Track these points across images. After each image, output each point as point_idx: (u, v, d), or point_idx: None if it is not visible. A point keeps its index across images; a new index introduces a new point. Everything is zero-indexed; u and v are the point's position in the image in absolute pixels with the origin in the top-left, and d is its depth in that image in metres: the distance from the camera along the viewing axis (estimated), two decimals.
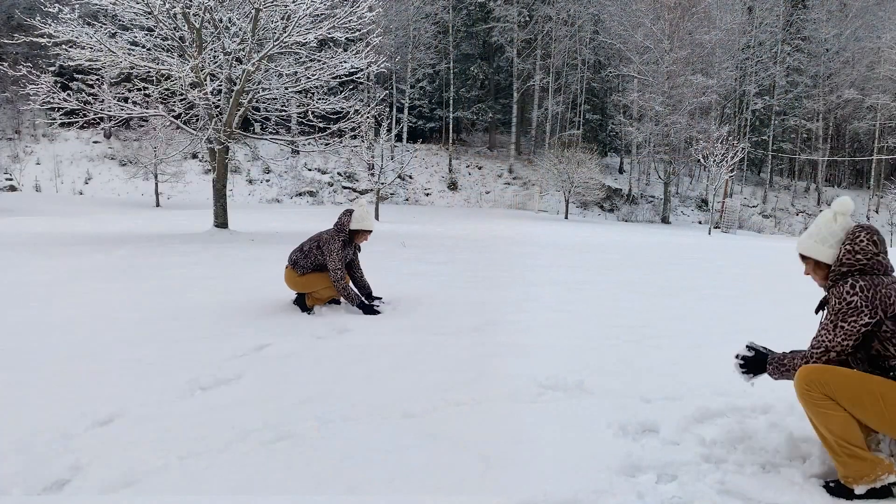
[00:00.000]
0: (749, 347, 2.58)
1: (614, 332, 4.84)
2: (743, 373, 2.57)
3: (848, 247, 2.37)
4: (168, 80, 13.10)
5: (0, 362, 3.83)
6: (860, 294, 2.26)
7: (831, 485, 2.30)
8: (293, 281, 5.38)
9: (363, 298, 5.43)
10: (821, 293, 2.52)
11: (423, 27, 35.69)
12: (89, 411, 3.03)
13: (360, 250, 5.58)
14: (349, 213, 5.34)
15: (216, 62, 12.58)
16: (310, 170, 34.09)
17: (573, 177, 29.56)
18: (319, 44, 13.86)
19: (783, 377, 2.46)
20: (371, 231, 5.37)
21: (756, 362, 2.54)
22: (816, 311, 2.50)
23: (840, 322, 2.29)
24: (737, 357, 2.59)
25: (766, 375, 2.54)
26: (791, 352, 2.49)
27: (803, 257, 2.53)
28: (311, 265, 5.32)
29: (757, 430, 2.80)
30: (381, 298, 5.61)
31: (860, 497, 2.22)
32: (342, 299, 5.50)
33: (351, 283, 5.47)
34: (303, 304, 5.41)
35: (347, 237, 5.29)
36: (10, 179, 28.60)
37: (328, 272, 5.26)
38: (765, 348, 2.58)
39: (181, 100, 13.18)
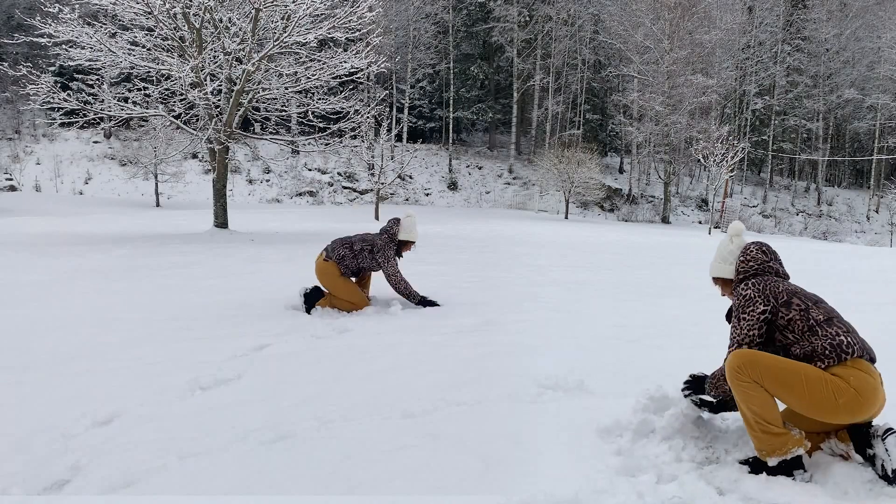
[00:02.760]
0: (686, 382, 2.87)
1: (614, 332, 4.84)
2: (687, 396, 2.85)
3: (741, 258, 2.76)
4: (168, 80, 13.10)
5: (0, 362, 3.83)
6: (752, 288, 2.59)
7: (749, 460, 2.50)
8: (331, 276, 5.35)
9: (422, 296, 5.60)
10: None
11: (423, 27, 35.68)
12: (89, 411, 3.03)
13: (401, 256, 5.70)
14: (397, 221, 5.46)
15: (216, 62, 12.58)
16: (310, 170, 34.09)
17: (573, 177, 29.55)
18: (319, 44, 13.85)
19: (717, 390, 2.72)
20: (415, 241, 5.57)
21: (698, 384, 2.82)
22: (727, 319, 2.78)
23: (741, 315, 2.59)
24: (682, 390, 2.87)
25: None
26: (718, 369, 2.74)
27: (714, 280, 2.91)
28: (356, 267, 5.41)
29: None
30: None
31: (773, 469, 2.41)
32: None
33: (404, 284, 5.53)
34: (312, 301, 5.36)
35: (398, 247, 5.49)
36: (10, 179, 28.60)
37: (365, 280, 5.65)
38: (701, 373, 2.86)
39: (181, 100, 13.18)
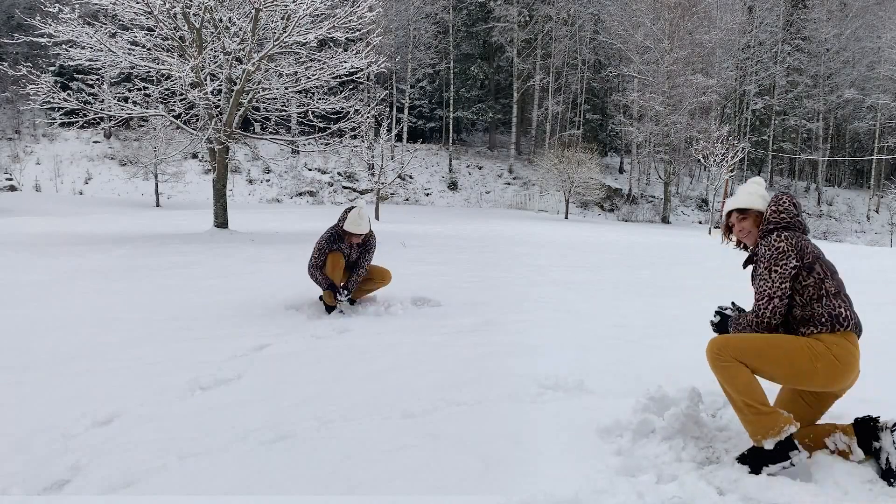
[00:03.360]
0: (717, 313, 2.84)
1: (614, 332, 4.84)
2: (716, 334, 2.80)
3: (773, 207, 2.70)
4: (168, 80, 13.09)
5: (0, 362, 3.83)
6: (786, 241, 2.56)
7: (746, 454, 2.48)
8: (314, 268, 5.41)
9: (332, 282, 5.32)
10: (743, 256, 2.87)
11: (423, 27, 35.70)
12: (89, 411, 3.03)
13: (368, 250, 5.48)
14: (348, 211, 5.37)
15: (216, 62, 12.58)
16: (310, 170, 34.10)
17: (573, 177, 29.55)
18: (319, 44, 13.84)
19: (736, 329, 2.71)
20: (359, 235, 5.28)
21: (722, 325, 2.80)
22: (745, 266, 2.82)
23: (773, 267, 2.54)
24: (711, 323, 2.86)
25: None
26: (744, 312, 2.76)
27: (741, 213, 2.79)
28: (323, 257, 5.37)
29: None
30: (347, 295, 5.43)
31: (771, 454, 2.40)
32: (348, 300, 5.54)
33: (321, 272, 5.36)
34: (328, 306, 5.36)
35: (340, 232, 5.31)
36: (10, 179, 28.60)
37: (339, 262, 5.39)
38: (731, 307, 2.86)
39: (181, 100, 13.18)
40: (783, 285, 2.52)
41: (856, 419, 2.54)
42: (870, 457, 2.47)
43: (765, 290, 2.55)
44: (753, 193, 2.80)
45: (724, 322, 2.79)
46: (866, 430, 2.48)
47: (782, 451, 2.40)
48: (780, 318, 2.55)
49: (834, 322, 2.45)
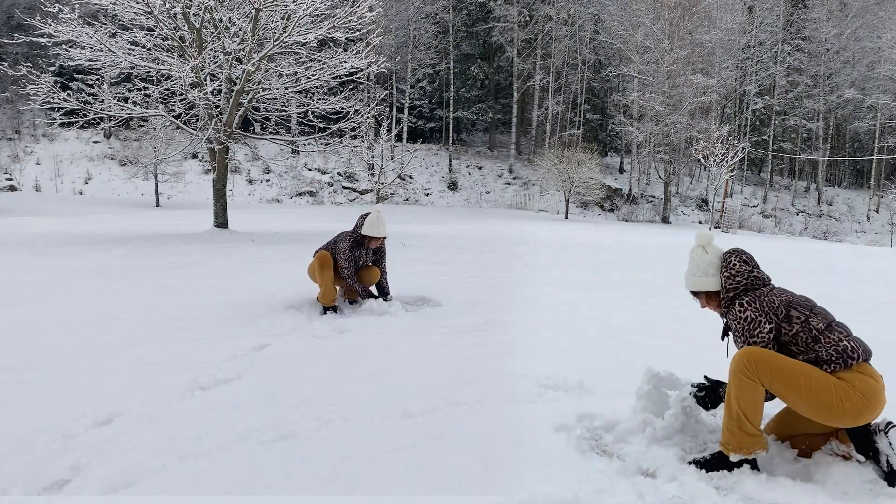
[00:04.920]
0: (697, 386, 2.82)
1: (614, 332, 4.84)
2: (700, 403, 2.80)
3: (726, 273, 2.65)
4: (168, 80, 13.09)
5: (0, 362, 3.83)
6: (751, 308, 2.52)
7: (707, 458, 2.52)
8: (312, 267, 5.46)
9: (367, 291, 5.59)
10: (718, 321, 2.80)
11: (423, 27, 35.69)
12: (89, 411, 3.03)
13: (383, 255, 5.64)
14: (365, 216, 5.44)
15: (216, 62, 12.58)
16: (310, 170, 34.09)
17: (573, 177, 29.54)
18: (319, 44, 13.84)
19: None
20: (380, 238, 5.42)
21: (712, 393, 2.77)
22: (722, 338, 2.77)
23: (749, 339, 2.52)
24: (695, 396, 2.80)
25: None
26: None
27: (694, 294, 2.78)
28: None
29: None
30: (391, 298, 5.69)
31: (730, 464, 2.45)
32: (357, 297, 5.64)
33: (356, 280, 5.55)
34: (324, 307, 5.38)
35: (359, 238, 5.39)
36: (10, 179, 28.60)
37: (364, 276, 5.57)
38: (704, 381, 2.84)
39: (181, 100, 13.18)
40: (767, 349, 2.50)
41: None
42: (870, 460, 2.47)
43: None
44: (695, 274, 2.72)
45: (711, 391, 2.76)
46: (861, 436, 2.47)
47: (740, 465, 2.46)
48: None
49: (844, 357, 2.38)
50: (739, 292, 2.60)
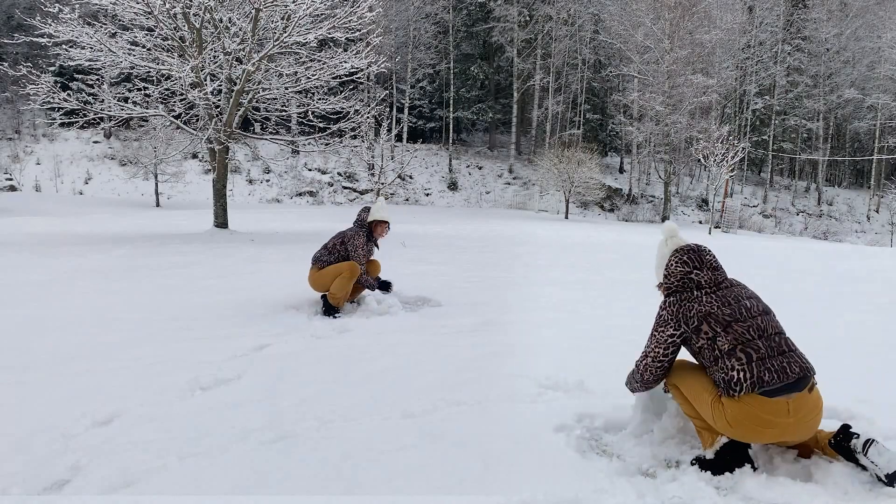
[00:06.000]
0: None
1: (614, 332, 4.84)
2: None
3: (664, 272, 2.73)
4: (168, 80, 13.09)
5: (0, 362, 3.83)
6: (667, 309, 2.62)
7: (702, 458, 2.56)
8: (313, 278, 5.38)
9: (379, 281, 5.75)
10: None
11: (423, 27, 35.68)
12: (89, 411, 3.03)
13: (378, 248, 5.73)
14: (367, 209, 5.49)
15: (216, 62, 12.58)
16: (310, 170, 34.09)
17: (573, 177, 29.54)
18: (319, 44, 13.84)
19: (633, 386, 2.85)
20: (388, 222, 5.55)
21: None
22: None
23: (654, 331, 2.67)
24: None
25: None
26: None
27: (659, 286, 2.84)
28: (334, 261, 5.35)
29: None
30: (390, 284, 5.86)
31: (711, 462, 2.49)
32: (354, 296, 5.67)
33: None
34: (329, 308, 5.33)
35: (368, 230, 5.47)
36: (10, 179, 28.60)
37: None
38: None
39: (181, 100, 13.17)
40: (657, 349, 2.63)
41: (830, 441, 2.51)
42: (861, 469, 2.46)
43: (645, 347, 2.70)
44: (657, 267, 2.81)
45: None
46: (844, 452, 2.47)
47: (741, 463, 2.50)
48: (656, 376, 2.67)
49: (729, 387, 2.39)
50: (671, 292, 2.67)
